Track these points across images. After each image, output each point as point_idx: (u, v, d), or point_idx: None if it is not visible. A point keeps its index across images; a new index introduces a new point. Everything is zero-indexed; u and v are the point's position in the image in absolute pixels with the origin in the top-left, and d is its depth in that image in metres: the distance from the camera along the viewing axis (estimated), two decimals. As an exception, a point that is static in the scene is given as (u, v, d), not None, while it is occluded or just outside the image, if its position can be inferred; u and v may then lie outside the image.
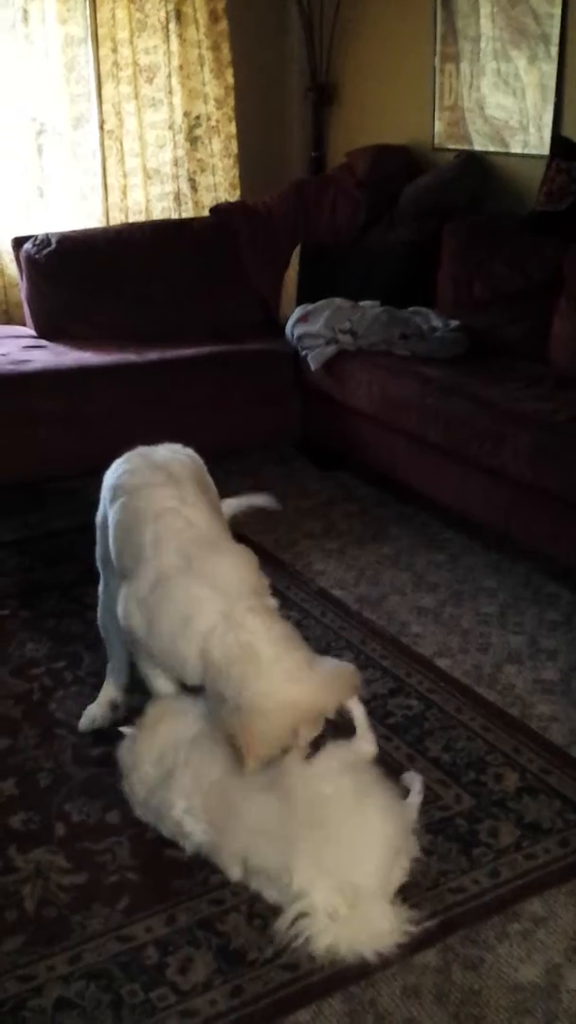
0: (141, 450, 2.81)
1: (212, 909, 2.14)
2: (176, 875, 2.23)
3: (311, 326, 4.24)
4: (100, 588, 2.77)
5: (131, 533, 2.46)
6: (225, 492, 4.28)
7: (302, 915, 2.04)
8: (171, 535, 2.38)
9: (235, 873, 2.17)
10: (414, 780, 2.40)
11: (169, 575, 2.32)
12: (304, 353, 4.22)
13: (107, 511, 2.65)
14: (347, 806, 2.12)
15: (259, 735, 2.08)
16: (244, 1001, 1.94)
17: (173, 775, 2.27)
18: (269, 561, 3.67)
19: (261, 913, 2.12)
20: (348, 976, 1.99)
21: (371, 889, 2.06)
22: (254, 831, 2.14)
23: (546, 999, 1.94)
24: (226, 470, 4.48)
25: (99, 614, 2.79)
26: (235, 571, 2.35)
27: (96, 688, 2.89)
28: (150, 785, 2.30)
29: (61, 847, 2.32)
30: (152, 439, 4.16)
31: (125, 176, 5.09)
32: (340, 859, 2.08)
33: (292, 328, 4.34)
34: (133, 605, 2.34)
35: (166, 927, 2.10)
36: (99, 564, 2.75)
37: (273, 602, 2.37)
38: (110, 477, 2.74)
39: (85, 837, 2.35)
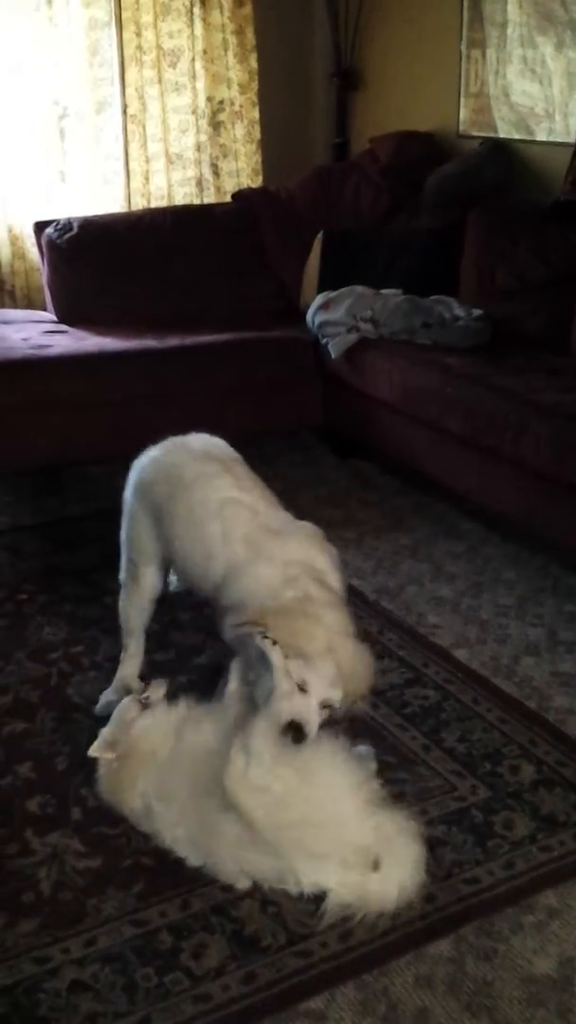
0: (176, 441, 2.77)
1: (226, 895, 2.15)
2: (191, 861, 2.24)
3: (332, 314, 4.22)
4: (123, 575, 2.77)
5: (194, 527, 2.44)
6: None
7: (337, 900, 2.07)
8: (238, 526, 2.38)
9: (244, 884, 2.17)
10: (368, 753, 2.41)
11: (238, 565, 2.33)
12: (325, 341, 4.20)
13: (149, 502, 2.62)
14: (298, 789, 2.10)
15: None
16: (257, 987, 1.95)
17: (152, 808, 2.26)
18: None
19: (275, 900, 2.12)
20: (361, 964, 1.99)
21: (367, 841, 2.07)
22: (239, 847, 2.13)
23: (559, 992, 1.94)
24: (245, 457, 4.49)
25: (120, 600, 2.79)
26: (303, 551, 2.37)
27: (113, 672, 2.90)
28: (138, 818, 2.29)
29: (77, 831, 2.33)
30: (171, 425, 4.16)
31: (147, 161, 5.08)
32: (325, 837, 2.08)
33: (313, 315, 4.33)
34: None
35: (180, 912, 2.11)
36: (125, 551, 2.74)
37: (337, 582, 2.43)
38: (149, 468, 2.70)
39: (101, 821, 2.35)
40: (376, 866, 2.06)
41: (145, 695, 2.41)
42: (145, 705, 2.38)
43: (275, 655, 2.14)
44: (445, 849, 2.26)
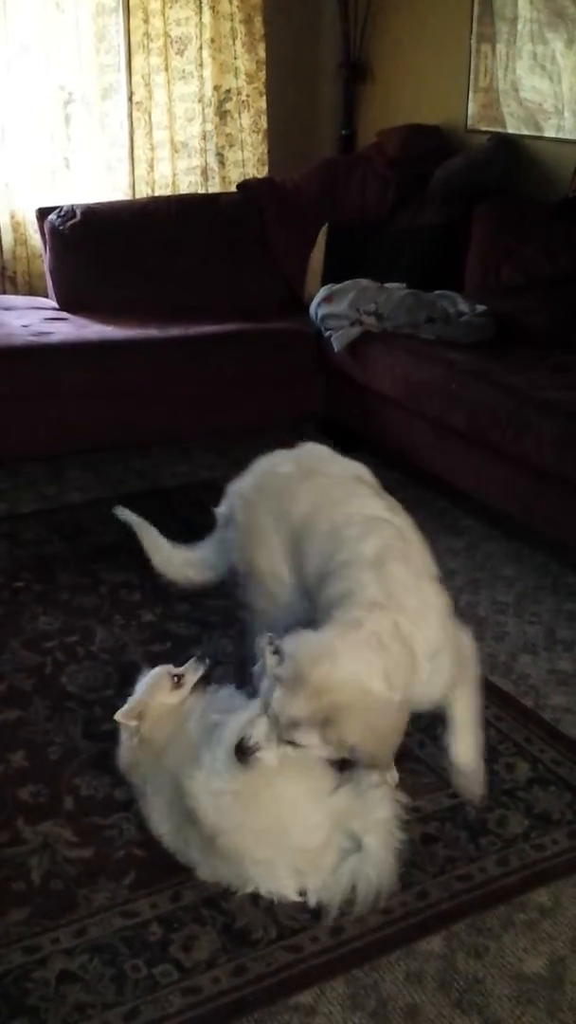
0: (299, 455, 2.56)
1: (217, 888, 2.14)
2: (183, 852, 2.23)
3: (336, 307, 4.20)
4: (248, 615, 2.57)
5: (337, 550, 2.20)
6: (241, 471, 4.27)
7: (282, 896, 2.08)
8: (394, 556, 2.14)
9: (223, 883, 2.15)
10: None
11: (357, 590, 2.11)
12: (328, 334, 4.19)
13: (281, 524, 2.38)
14: (251, 794, 2.06)
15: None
16: (247, 980, 1.94)
17: (146, 795, 2.26)
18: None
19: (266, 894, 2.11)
20: (352, 960, 1.99)
21: (314, 844, 2.06)
22: (204, 850, 2.12)
23: (550, 990, 1.93)
24: (246, 449, 4.47)
25: (248, 638, 2.55)
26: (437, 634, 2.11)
27: (108, 663, 2.90)
28: (138, 796, 2.31)
29: (69, 821, 2.32)
30: (171, 415, 4.17)
31: (152, 149, 5.06)
32: (266, 843, 2.06)
33: (316, 308, 4.31)
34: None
35: (171, 904, 2.10)
36: (244, 586, 2.50)
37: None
38: (269, 485, 2.47)
39: (93, 811, 2.35)
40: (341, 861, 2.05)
41: (180, 672, 2.36)
42: (177, 684, 2.34)
43: (268, 665, 2.05)
44: (438, 846, 2.25)
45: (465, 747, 2.22)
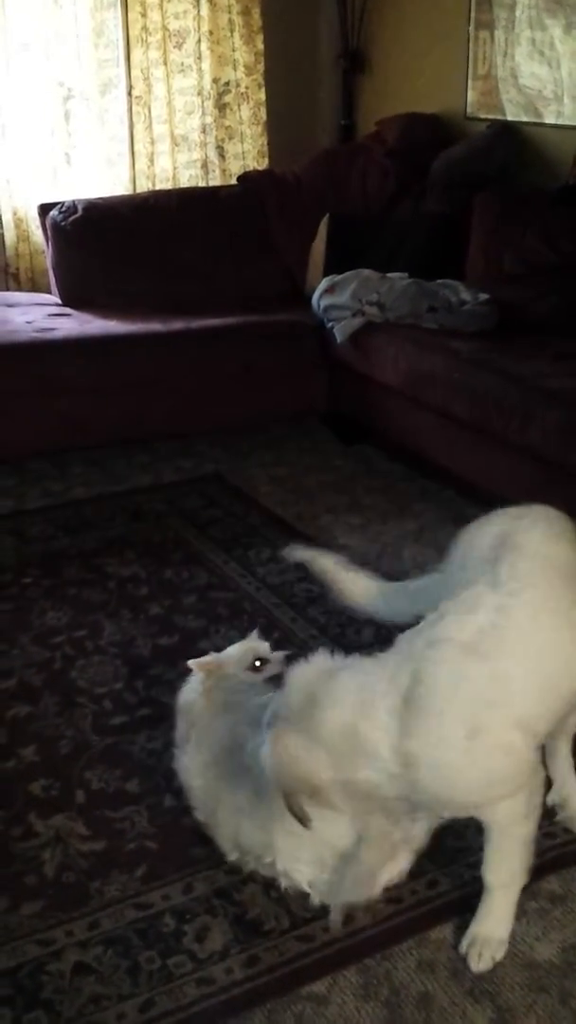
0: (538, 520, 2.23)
1: (229, 879, 2.15)
2: (194, 844, 2.23)
3: (338, 297, 4.20)
4: None
5: None
6: (246, 465, 4.29)
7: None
8: None
9: (234, 856, 2.17)
10: None
11: None
12: (330, 325, 4.18)
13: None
14: None
15: None
16: (260, 971, 1.95)
17: (185, 749, 2.30)
18: (292, 535, 3.66)
19: (278, 884, 2.12)
20: (364, 949, 2.00)
21: (344, 844, 2.04)
22: (236, 813, 2.13)
23: (561, 978, 1.94)
24: (250, 443, 4.49)
25: None
26: None
27: (117, 657, 2.91)
28: (179, 743, 2.36)
29: (81, 814, 2.33)
30: (176, 409, 4.18)
31: (152, 143, 5.05)
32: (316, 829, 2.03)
33: (318, 299, 4.31)
34: None
35: (183, 895, 2.11)
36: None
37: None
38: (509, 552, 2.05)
39: (104, 805, 2.36)
40: (349, 860, 2.04)
41: (263, 659, 2.39)
42: (258, 668, 2.37)
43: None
44: (448, 835, 2.26)
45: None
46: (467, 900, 2.08)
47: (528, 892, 2.12)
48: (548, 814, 2.32)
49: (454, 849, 2.22)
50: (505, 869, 1.97)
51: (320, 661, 1.93)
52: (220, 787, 2.18)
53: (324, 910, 2.06)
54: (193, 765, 2.27)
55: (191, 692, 2.38)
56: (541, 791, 1.96)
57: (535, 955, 1.99)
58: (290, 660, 2.23)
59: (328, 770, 1.81)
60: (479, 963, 1.96)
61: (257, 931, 2.03)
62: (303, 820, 1.85)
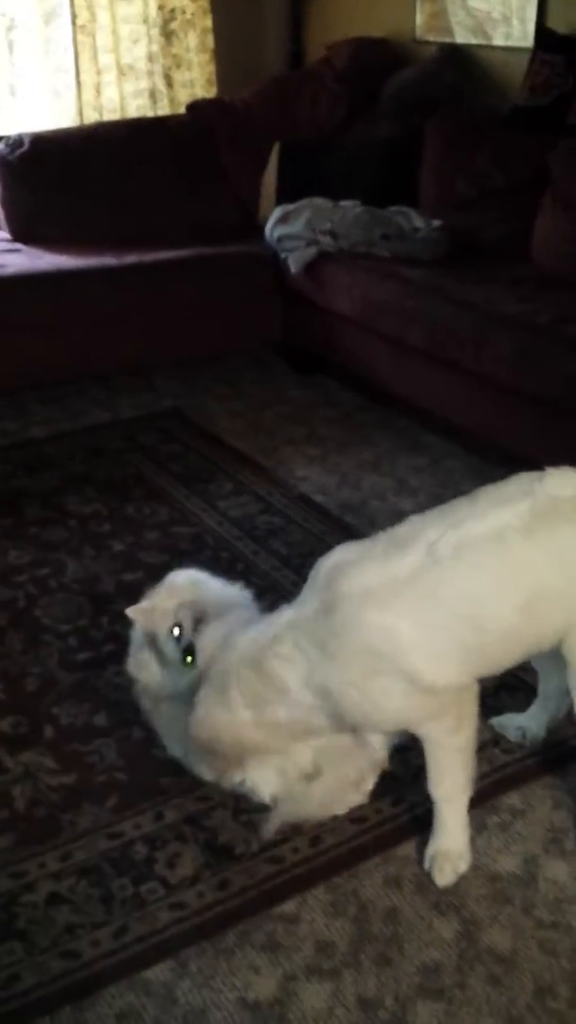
0: None
1: (199, 806, 2.19)
2: (164, 774, 2.27)
3: (291, 227, 4.16)
4: None
5: None
6: (204, 399, 4.27)
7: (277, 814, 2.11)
8: None
9: (209, 776, 2.20)
10: None
11: None
12: (284, 255, 4.14)
13: None
14: None
15: None
16: (231, 893, 2.00)
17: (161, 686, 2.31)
18: (251, 467, 3.67)
19: (247, 809, 2.17)
20: (332, 868, 2.05)
21: (305, 761, 2.10)
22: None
23: (524, 888, 2.01)
24: (207, 376, 4.47)
25: None
26: None
27: (80, 594, 2.91)
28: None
29: (50, 749, 2.36)
30: (132, 345, 4.14)
31: (99, 73, 4.93)
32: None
33: (272, 229, 4.26)
34: None
35: (154, 824, 2.15)
36: None
37: None
38: None
39: (73, 739, 2.38)
40: (312, 778, 2.09)
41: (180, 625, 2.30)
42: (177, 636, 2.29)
43: None
44: (411, 753, 2.29)
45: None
46: (430, 816, 2.13)
47: (489, 807, 2.18)
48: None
49: (417, 767, 2.26)
50: (447, 782, 2.03)
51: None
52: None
53: (296, 828, 2.11)
54: (162, 708, 2.28)
55: (140, 667, 2.34)
56: (472, 704, 1.98)
57: (498, 868, 2.05)
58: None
59: (251, 727, 2.00)
60: (442, 877, 2.02)
61: (228, 855, 2.07)
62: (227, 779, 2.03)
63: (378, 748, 2.17)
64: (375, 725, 2.04)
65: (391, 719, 1.98)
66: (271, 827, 2.09)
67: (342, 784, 2.12)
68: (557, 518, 1.87)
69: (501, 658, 1.97)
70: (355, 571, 1.90)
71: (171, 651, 2.26)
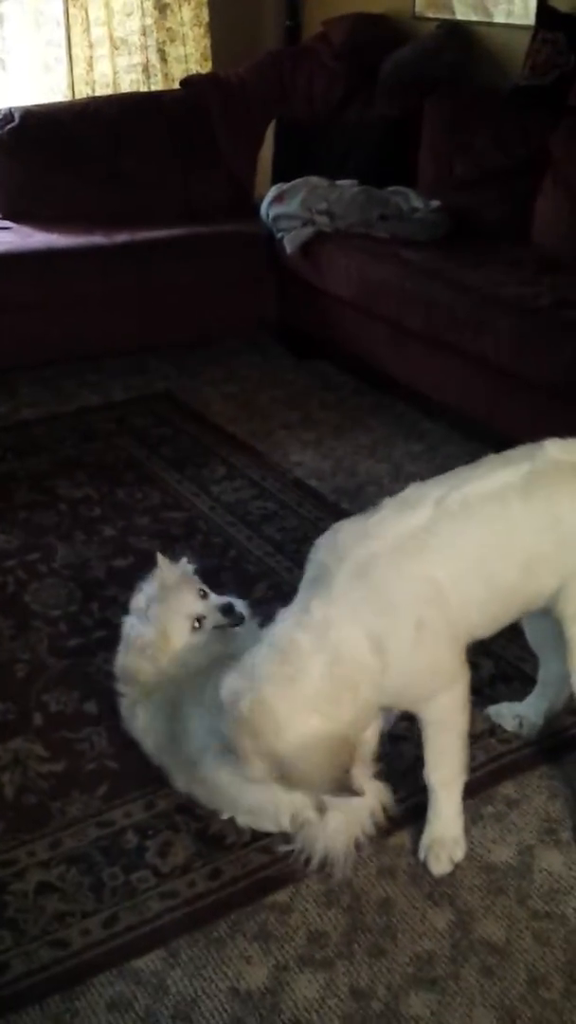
0: None
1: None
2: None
3: (287, 206, 4.11)
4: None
5: None
6: (198, 382, 4.23)
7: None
8: None
9: (180, 784, 2.15)
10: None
11: None
12: (280, 235, 4.10)
13: None
14: None
15: None
16: (223, 883, 1.98)
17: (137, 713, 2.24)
18: (245, 451, 3.64)
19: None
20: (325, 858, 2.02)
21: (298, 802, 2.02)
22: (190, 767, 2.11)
23: (518, 878, 1.99)
24: (201, 359, 4.42)
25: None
26: None
27: (71, 579, 2.88)
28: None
29: (39, 736, 2.33)
30: (124, 326, 4.10)
31: (91, 46, 4.87)
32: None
33: (267, 208, 4.21)
34: None
35: (145, 812, 2.13)
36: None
37: None
38: None
39: (63, 726, 2.36)
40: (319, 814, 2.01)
41: (200, 617, 2.23)
42: (197, 628, 2.23)
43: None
44: (407, 744, 2.28)
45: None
46: (423, 807, 2.11)
47: (485, 797, 2.17)
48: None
49: (412, 757, 2.25)
50: (446, 766, 2.01)
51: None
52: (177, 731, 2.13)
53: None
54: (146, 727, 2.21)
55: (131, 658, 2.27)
56: (469, 687, 1.98)
57: (492, 858, 2.03)
58: (227, 611, 2.24)
59: (309, 712, 1.79)
60: (438, 865, 2.00)
61: (219, 845, 2.05)
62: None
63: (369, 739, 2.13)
64: (421, 686, 1.94)
65: (441, 674, 1.92)
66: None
67: (351, 822, 2.03)
68: (556, 480, 1.90)
69: (499, 616, 1.97)
70: (375, 530, 1.88)
71: (206, 609, 2.22)
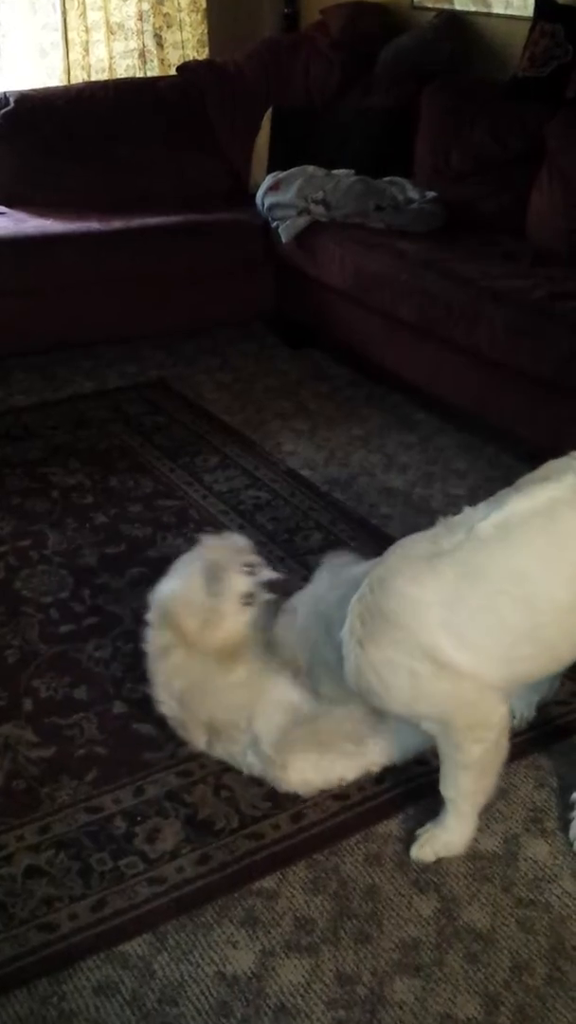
0: None
1: (180, 781, 2.17)
2: (144, 748, 2.25)
3: (282, 195, 4.10)
4: None
5: None
6: (191, 370, 4.23)
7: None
8: None
9: (202, 741, 2.20)
10: None
11: None
12: (275, 224, 4.09)
13: None
14: None
15: None
16: (211, 868, 1.99)
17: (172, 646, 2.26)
18: (238, 441, 3.64)
19: (228, 784, 2.16)
20: (312, 844, 2.04)
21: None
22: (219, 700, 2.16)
23: (504, 866, 2.00)
24: (195, 347, 4.42)
25: None
26: None
27: (62, 567, 2.89)
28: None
29: (29, 722, 2.33)
30: (118, 313, 4.09)
31: (87, 31, 4.86)
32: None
33: (263, 197, 4.20)
34: None
35: (134, 798, 2.14)
36: None
37: None
38: None
39: (53, 712, 2.36)
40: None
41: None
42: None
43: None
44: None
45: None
46: (412, 795, 2.13)
47: (472, 786, 2.17)
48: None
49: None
50: (452, 790, 1.99)
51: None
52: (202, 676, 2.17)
53: (277, 804, 2.10)
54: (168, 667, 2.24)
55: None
56: (493, 716, 1.92)
57: (479, 846, 2.04)
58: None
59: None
60: (419, 851, 2.01)
61: (208, 830, 2.06)
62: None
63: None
64: (385, 704, 1.95)
65: (398, 700, 1.91)
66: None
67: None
68: None
69: (558, 641, 1.90)
70: (407, 543, 1.95)
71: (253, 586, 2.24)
